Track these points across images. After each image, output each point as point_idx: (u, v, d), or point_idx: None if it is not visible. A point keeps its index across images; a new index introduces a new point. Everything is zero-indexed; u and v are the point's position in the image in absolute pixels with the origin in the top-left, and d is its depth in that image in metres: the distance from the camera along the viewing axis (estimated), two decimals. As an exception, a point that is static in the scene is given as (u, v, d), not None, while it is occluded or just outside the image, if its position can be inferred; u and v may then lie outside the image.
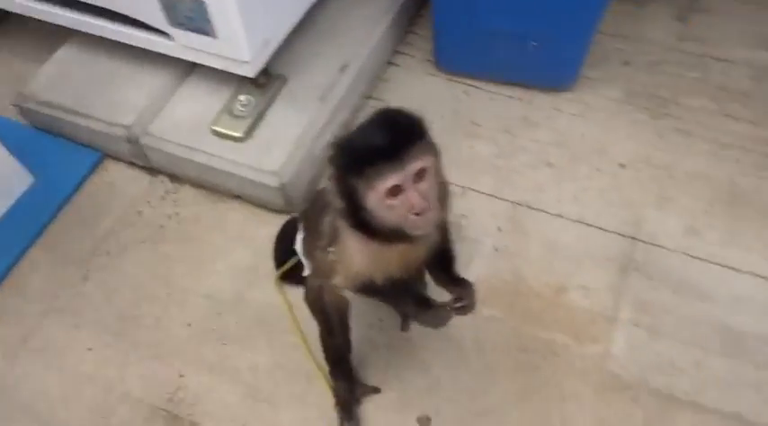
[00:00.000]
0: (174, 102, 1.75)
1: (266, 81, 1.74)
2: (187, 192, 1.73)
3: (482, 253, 1.59)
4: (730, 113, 1.86)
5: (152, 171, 1.78)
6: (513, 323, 1.47)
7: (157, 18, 1.59)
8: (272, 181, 1.58)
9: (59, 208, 1.72)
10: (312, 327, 1.29)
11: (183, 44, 1.63)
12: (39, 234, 1.68)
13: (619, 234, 1.62)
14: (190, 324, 1.50)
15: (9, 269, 1.62)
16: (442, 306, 1.13)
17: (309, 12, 1.78)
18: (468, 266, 1.56)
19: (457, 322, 1.28)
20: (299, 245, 1.27)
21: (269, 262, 1.57)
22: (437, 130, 1.78)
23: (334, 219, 1.01)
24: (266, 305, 1.52)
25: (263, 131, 1.67)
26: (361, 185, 0.89)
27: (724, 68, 1.95)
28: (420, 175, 0.89)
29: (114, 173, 1.79)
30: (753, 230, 1.61)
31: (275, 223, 1.64)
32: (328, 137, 1.73)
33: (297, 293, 1.48)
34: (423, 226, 0.92)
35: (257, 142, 1.65)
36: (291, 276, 1.49)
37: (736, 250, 1.58)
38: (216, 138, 1.66)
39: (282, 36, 1.71)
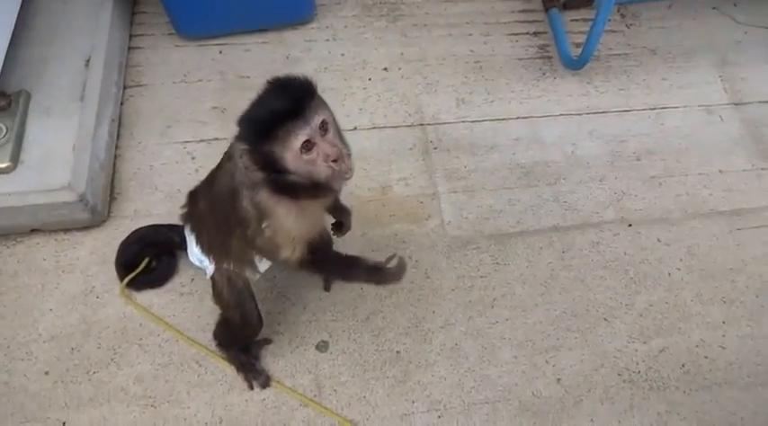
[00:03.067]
0: None
1: (8, 102, 1.57)
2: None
3: (305, 186, 1.66)
4: (449, -1, 2.12)
5: None
6: (359, 233, 1.58)
7: None
8: (69, 197, 1.46)
9: None
10: (180, 318, 1.29)
11: None
12: None
13: (408, 125, 1.80)
14: (47, 372, 1.36)
15: None
16: (387, 263, 1.19)
17: (20, 18, 1.63)
18: (298, 201, 1.62)
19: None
20: (195, 250, 1.23)
21: (103, 278, 1.47)
22: (212, 93, 1.80)
23: (254, 197, 1.02)
24: (120, 317, 1.43)
25: (30, 152, 1.52)
26: (277, 148, 0.94)
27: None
28: (323, 127, 0.97)
29: None
30: (502, 84, 1.90)
31: (88, 240, 1.53)
32: (105, 134, 1.64)
33: (146, 296, 1.47)
34: (345, 172, 0.99)
35: (30, 165, 1.50)
36: (137, 282, 1.44)
37: (498, 104, 1.86)
38: (-18, 181, 1.47)
39: (3, 50, 1.55)
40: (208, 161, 1.66)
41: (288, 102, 0.93)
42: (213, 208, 1.14)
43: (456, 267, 1.54)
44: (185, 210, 1.26)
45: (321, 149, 0.96)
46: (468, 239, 1.59)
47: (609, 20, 1.87)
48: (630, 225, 1.65)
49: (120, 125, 1.75)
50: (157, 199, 1.61)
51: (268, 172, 0.97)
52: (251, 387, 1.35)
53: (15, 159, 1.50)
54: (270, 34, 1.98)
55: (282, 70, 1.87)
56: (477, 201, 1.66)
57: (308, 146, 0.95)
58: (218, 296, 1.25)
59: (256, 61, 1.92)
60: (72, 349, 1.40)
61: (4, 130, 1.52)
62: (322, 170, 0.97)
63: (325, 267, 1.23)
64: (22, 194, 1.46)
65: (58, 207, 1.47)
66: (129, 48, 1.92)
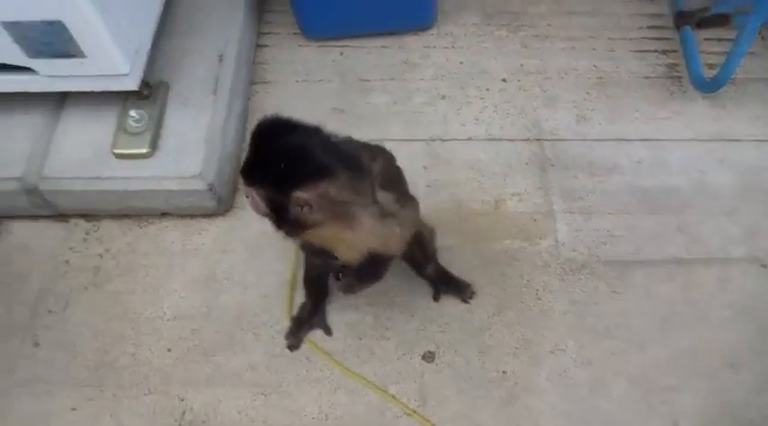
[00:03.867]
0: (57, 139, 1.62)
1: (149, 91, 1.66)
2: (109, 226, 1.63)
3: (419, 194, 1.66)
4: (572, 10, 2.07)
5: (60, 217, 1.65)
6: (469, 245, 1.58)
7: (12, 54, 1.45)
8: (199, 185, 1.54)
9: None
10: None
11: (49, 74, 1.51)
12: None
13: (525, 139, 1.77)
14: (170, 349, 1.45)
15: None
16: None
17: (164, 10, 1.72)
18: (412, 207, 1.64)
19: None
20: None
21: (224, 266, 1.55)
22: (332, 94, 1.84)
23: None
24: (238, 304, 1.50)
25: (167, 140, 1.61)
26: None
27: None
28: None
29: (19, 232, 1.64)
30: (625, 103, 1.84)
31: (212, 227, 1.61)
32: (233, 128, 1.71)
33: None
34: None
35: (167, 152, 1.59)
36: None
37: (621, 123, 1.80)
38: (122, 162, 1.57)
39: (149, 41, 1.63)
40: (326, 160, 1.71)
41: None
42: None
43: (569, 290, 1.51)
44: None
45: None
46: (584, 263, 1.56)
47: (749, 42, 1.77)
48: (764, 266, 1.56)
49: (245, 119, 1.82)
50: (277, 194, 1.66)
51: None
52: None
53: (154, 146, 1.59)
54: (390, 38, 2.00)
55: (401, 74, 1.92)
56: (594, 224, 1.62)
57: None
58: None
59: (376, 64, 1.95)
60: (193, 330, 1.47)
61: (146, 117, 1.61)
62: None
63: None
64: (158, 179, 1.55)
65: (188, 194, 1.56)
66: (257, 45, 1.99)
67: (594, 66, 1.94)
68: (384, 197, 1.06)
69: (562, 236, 1.60)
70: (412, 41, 2.00)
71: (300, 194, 0.91)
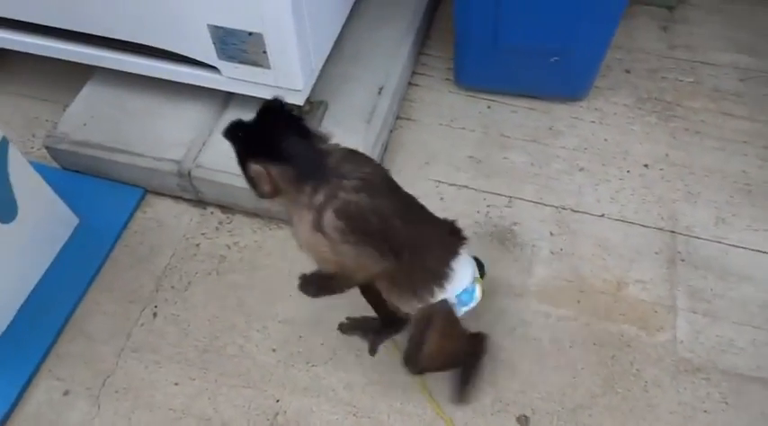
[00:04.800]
0: (216, 133, 1.76)
1: (310, 107, 1.77)
2: (241, 221, 1.74)
3: (540, 258, 1.68)
4: (728, 112, 2.03)
5: (199, 203, 1.77)
6: (584, 320, 1.56)
7: (206, 52, 1.60)
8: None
9: (111, 247, 1.69)
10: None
11: (230, 76, 1.65)
12: (94, 275, 1.64)
13: (658, 228, 1.74)
14: (275, 349, 1.51)
15: (71, 313, 1.58)
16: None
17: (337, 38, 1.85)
18: (530, 270, 1.64)
19: (532, 323, 1.50)
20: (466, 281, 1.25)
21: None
22: (471, 143, 1.89)
23: None
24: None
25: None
26: None
27: (713, 72, 2.12)
28: None
29: (160, 208, 1.78)
30: (771, 216, 1.78)
31: (337, 244, 1.67)
32: (376, 157, 1.79)
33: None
34: None
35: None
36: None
37: (762, 235, 1.74)
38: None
39: (322, 62, 1.75)
40: (453, 204, 1.76)
41: None
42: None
43: (680, 391, 1.46)
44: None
45: None
46: (700, 366, 1.50)
47: None
48: None
49: (384, 150, 1.90)
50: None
51: None
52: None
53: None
54: (538, 102, 2.04)
55: (543, 138, 1.95)
56: (717, 330, 1.56)
57: None
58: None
59: (519, 124, 1.98)
60: (299, 337, 1.53)
61: (300, 131, 1.72)
62: None
63: None
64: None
65: (324, 209, 1.63)
66: (409, 83, 2.08)
67: (744, 171, 1.88)
68: (330, 218, 1.07)
69: (681, 334, 1.54)
70: (560, 109, 2.02)
71: (252, 164, 1.07)
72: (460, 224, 1.27)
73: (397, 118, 1.99)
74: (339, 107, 1.82)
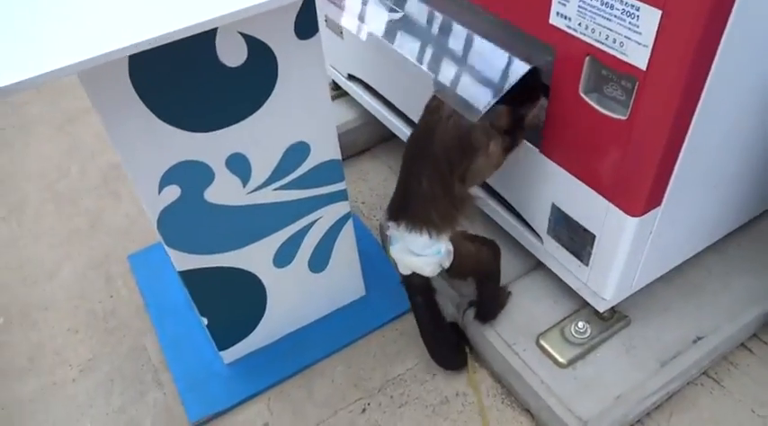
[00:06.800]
0: (514, 288, 1.77)
1: (610, 316, 1.67)
2: (484, 377, 1.72)
3: None
4: None
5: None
6: None
7: (539, 222, 1.63)
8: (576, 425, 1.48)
9: (372, 330, 1.85)
10: None
11: (549, 251, 1.65)
12: (344, 346, 1.81)
13: None
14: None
15: (313, 363, 1.77)
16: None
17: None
18: None
19: None
20: (417, 246, 1.42)
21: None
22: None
23: (487, 131, 1.36)
24: None
25: (585, 367, 1.59)
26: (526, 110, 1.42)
27: None
28: None
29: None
30: None
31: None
32: (649, 405, 1.58)
33: None
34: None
35: (575, 376, 1.57)
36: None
37: None
38: (537, 351, 1.62)
39: (646, 283, 1.63)
40: None
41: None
42: (436, 164, 1.33)
43: None
44: (393, 210, 1.42)
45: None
46: None
47: None
48: None
49: (669, 398, 1.66)
50: None
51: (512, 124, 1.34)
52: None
53: (572, 362, 1.58)
54: None
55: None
56: None
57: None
58: (468, 257, 1.49)
59: None
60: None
61: (588, 335, 1.62)
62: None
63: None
64: (549, 391, 1.55)
65: (558, 422, 1.52)
66: (742, 344, 1.79)
67: None
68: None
69: None
70: None
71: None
72: None
73: (704, 373, 1.73)
74: (640, 332, 1.66)
